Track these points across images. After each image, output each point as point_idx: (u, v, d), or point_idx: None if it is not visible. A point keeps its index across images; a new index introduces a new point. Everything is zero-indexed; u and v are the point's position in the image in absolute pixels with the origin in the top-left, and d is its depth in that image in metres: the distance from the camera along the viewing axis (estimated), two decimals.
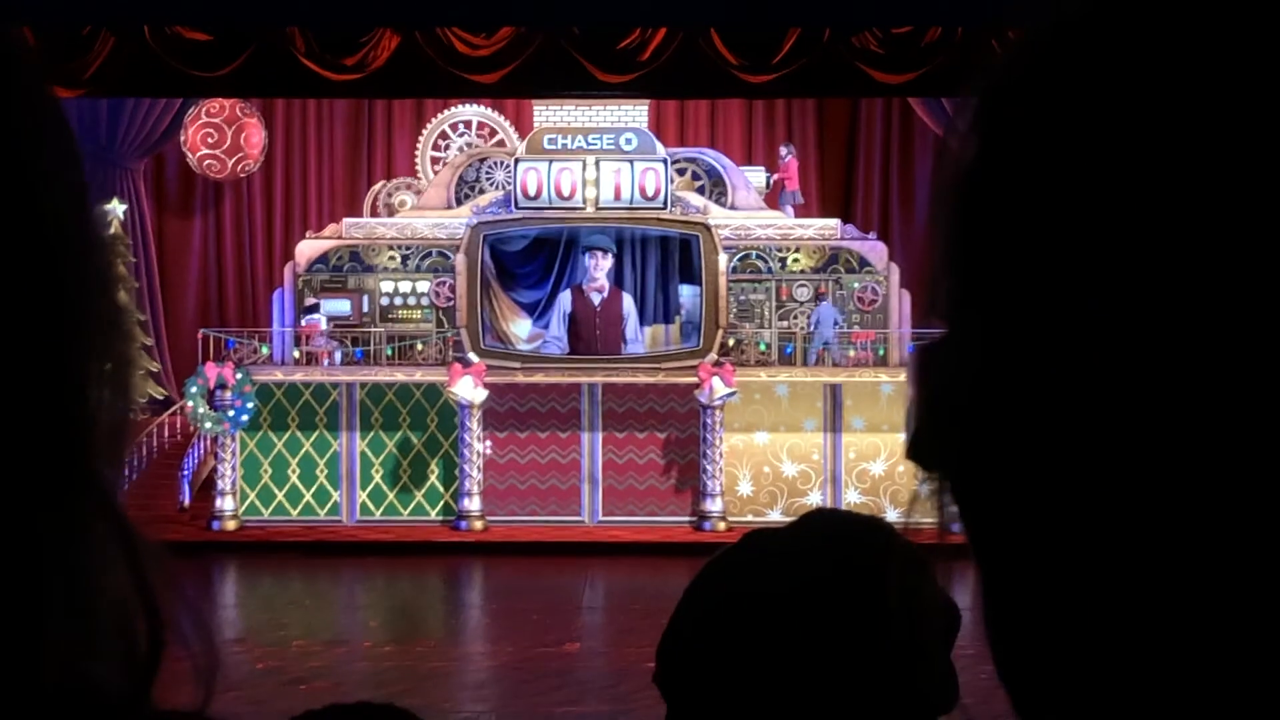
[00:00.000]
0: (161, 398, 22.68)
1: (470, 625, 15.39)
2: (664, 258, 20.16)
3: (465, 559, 17.71)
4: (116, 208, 22.46)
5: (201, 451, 19.73)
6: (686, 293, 20.00)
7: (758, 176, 21.23)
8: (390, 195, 22.58)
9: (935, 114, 22.64)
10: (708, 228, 19.41)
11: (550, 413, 19.13)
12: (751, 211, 20.09)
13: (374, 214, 22.01)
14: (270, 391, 18.88)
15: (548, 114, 20.34)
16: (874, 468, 18.77)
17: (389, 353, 19.50)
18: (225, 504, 18.67)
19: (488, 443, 18.92)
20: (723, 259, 19.39)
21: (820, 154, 26.28)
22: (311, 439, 18.99)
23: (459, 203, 20.26)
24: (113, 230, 21.25)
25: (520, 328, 20.35)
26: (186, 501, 19.17)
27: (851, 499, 18.58)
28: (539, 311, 20.28)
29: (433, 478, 19.02)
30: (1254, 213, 0.54)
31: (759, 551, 1.51)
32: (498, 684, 12.21)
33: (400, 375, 19.09)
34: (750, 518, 18.07)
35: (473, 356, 18.93)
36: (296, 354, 19.46)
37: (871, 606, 1.43)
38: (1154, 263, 0.55)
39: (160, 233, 25.45)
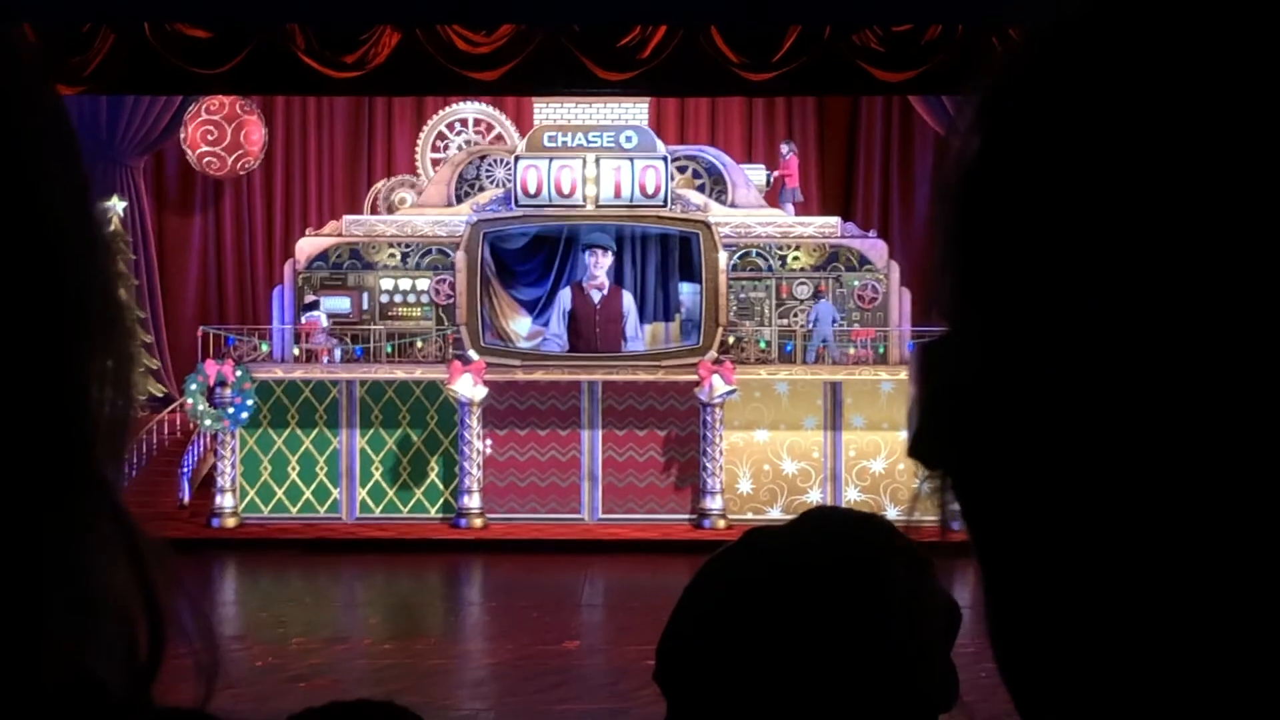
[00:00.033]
0: (161, 395, 22.68)
1: (470, 623, 15.39)
2: (664, 255, 20.16)
3: (465, 556, 17.71)
4: (116, 205, 22.46)
5: (201, 449, 19.73)
6: (686, 290, 19.99)
7: (758, 174, 21.22)
8: (390, 193, 22.57)
9: (935, 112, 22.64)
10: (708, 225, 19.41)
11: (550, 410, 19.13)
12: (752, 209, 20.08)
13: (374, 211, 22.01)
14: (270, 389, 18.88)
15: (548, 111, 20.34)
16: (874, 466, 18.77)
17: (389, 350, 19.49)
18: (225, 501, 18.67)
19: (487, 440, 18.92)
20: (723, 257, 19.39)
21: (820, 152, 26.28)
22: (311, 436, 18.99)
23: (459, 200, 20.25)
24: (113, 227, 21.25)
25: (520, 325, 20.35)
26: (186, 499, 19.17)
27: (851, 497, 18.57)
28: (539, 309, 20.27)
29: (432, 475, 19.02)
30: (1254, 213, 0.54)
31: (759, 549, 1.51)
32: (497, 681, 12.21)
33: (400, 373, 19.08)
34: (750, 515, 18.07)
35: (472, 354, 18.92)
36: (296, 351, 19.46)
37: (871, 604, 1.43)
38: (1154, 262, 0.55)
39: (160, 230, 25.45)
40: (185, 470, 19.37)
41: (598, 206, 19.55)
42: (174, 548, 0.70)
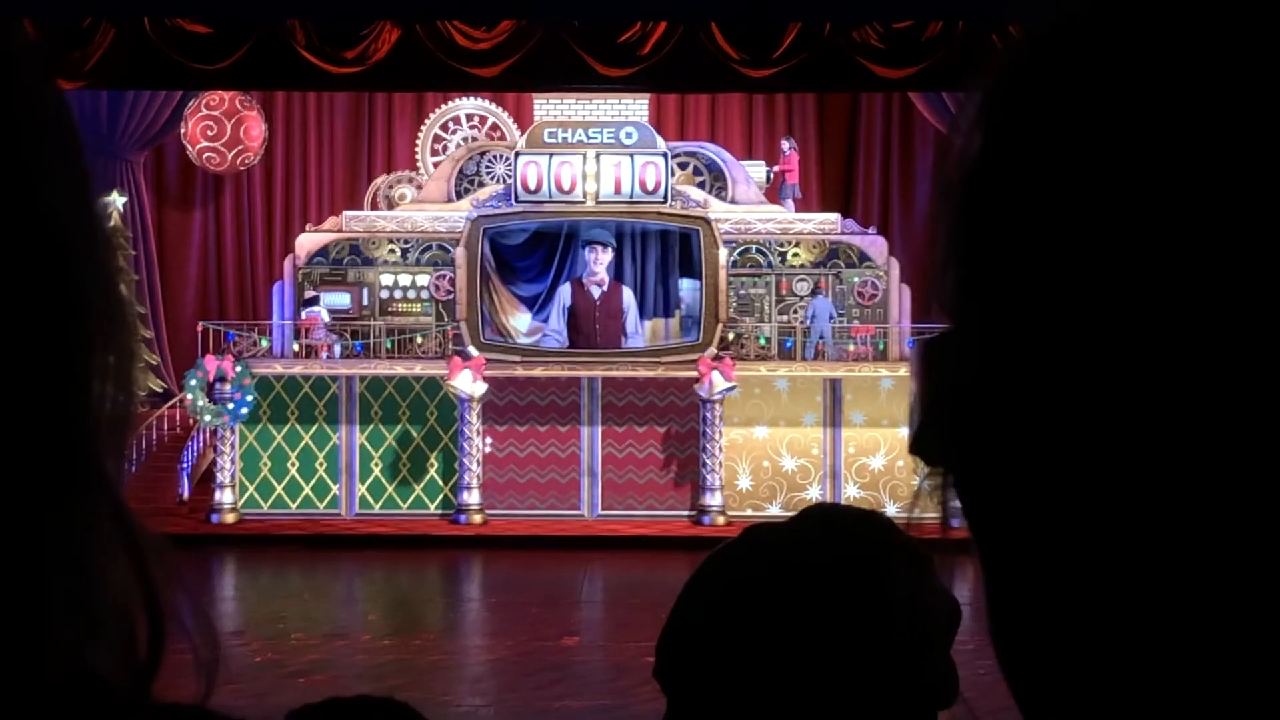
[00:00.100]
0: (161, 390, 22.68)
1: (469, 619, 15.40)
2: (664, 252, 20.15)
3: (464, 552, 17.71)
4: (116, 200, 22.46)
5: (200, 444, 19.74)
6: (686, 287, 20.00)
7: (758, 171, 21.23)
8: (390, 188, 22.57)
9: (936, 109, 22.64)
10: (708, 222, 19.41)
11: (550, 406, 19.13)
12: (752, 206, 20.08)
13: (374, 207, 22.01)
14: (270, 384, 18.88)
15: (548, 108, 20.34)
16: (873, 462, 18.77)
17: (388, 346, 19.49)
18: (224, 497, 18.67)
19: (487, 436, 18.92)
20: (723, 253, 19.38)
21: (820, 148, 26.28)
22: (311, 432, 18.99)
23: (459, 196, 20.25)
24: (113, 222, 21.25)
25: (520, 321, 20.34)
26: (185, 494, 19.17)
27: (851, 494, 18.57)
28: (539, 305, 20.27)
29: (432, 471, 19.02)
30: (1255, 209, 0.54)
31: (758, 546, 1.51)
32: (496, 677, 12.21)
33: (400, 368, 19.08)
34: (750, 512, 18.08)
35: (472, 350, 18.92)
36: (296, 347, 19.46)
37: (871, 601, 1.43)
38: (1155, 259, 0.55)
39: (160, 225, 25.45)
40: (185, 466, 19.38)
41: (598, 202, 19.55)
42: (173, 543, 0.70)
